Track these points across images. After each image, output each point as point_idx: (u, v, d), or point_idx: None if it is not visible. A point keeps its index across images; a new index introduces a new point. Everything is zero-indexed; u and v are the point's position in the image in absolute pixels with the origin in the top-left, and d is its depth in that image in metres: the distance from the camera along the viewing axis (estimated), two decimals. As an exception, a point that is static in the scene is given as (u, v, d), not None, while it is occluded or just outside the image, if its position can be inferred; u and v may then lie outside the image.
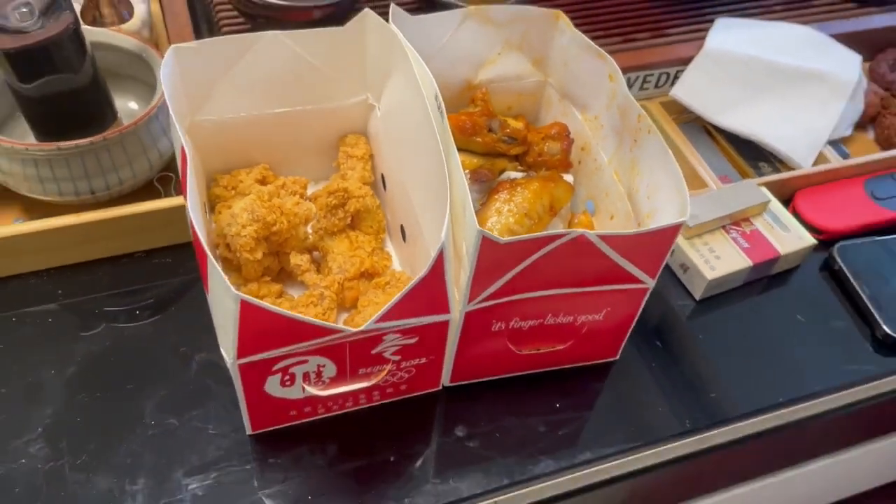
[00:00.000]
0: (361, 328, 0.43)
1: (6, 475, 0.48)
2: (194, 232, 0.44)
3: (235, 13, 0.70)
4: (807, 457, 0.75)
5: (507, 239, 0.43)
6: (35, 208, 0.59)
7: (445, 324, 0.48)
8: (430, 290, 0.44)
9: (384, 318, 0.43)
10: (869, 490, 0.95)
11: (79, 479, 0.48)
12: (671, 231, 0.47)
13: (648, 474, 0.58)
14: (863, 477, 0.91)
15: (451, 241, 0.46)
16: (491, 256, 0.44)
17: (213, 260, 0.41)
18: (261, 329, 0.42)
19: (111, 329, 0.56)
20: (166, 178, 0.60)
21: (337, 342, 0.45)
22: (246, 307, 0.40)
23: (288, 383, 0.48)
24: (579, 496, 0.56)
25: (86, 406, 0.52)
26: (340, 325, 0.42)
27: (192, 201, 0.46)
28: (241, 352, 0.43)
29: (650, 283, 0.51)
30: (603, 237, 0.45)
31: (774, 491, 0.77)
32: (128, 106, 0.63)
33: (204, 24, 0.73)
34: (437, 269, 0.43)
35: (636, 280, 0.50)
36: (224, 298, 0.41)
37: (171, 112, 0.48)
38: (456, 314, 0.48)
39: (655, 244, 0.47)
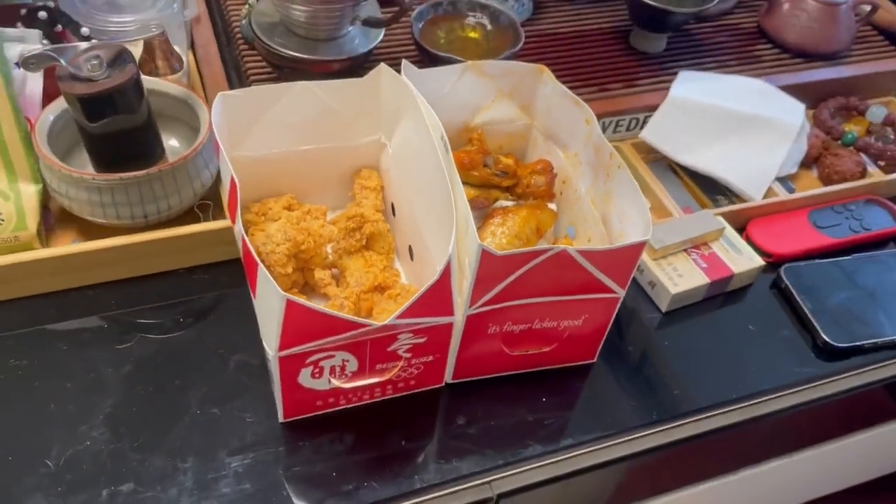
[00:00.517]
0: (384, 323, 0.52)
1: (75, 455, 0.56)
2: (245, 246, 0.53)
3: (263, 63, 0.81)
4: (765, 456, 0.84)
5: (502, 252, 0.53)
6: (90, 231, 0.68)
7: (450, 325, 0.57)
8: (439, 295, 0.54)
9: (402, 315, 0.52)
10: (828, 494, 1.04)
11: (137, 458, 0.57)
12: (637, 248, 0.57)
13: (622, 463, 0.67)
14: (820, 481, 1.00)
15: (455, 254, 0.55)
16: (489, 267, 0.54)
17: (263, 267, 0.50)
18: (300, 325, 0.51)
19: (159, 334, 0.65)
20: (205, 206, 0.70)
21: (360, 339, 0.54)
22: (290, 305, 0.49)
23: (317, 375, 0.57)
24: (563, 480, 0.65)
25: (140, 398, 0.60)
26: (367, 321, 0.52)
27: (239, 223, 0.56)
28: (283, 345, 0.52)
29: (621, 294, 0.60)
30: (581, 252, 0.55)
31: (735, 489, 0.86)
32: (170, 143, 0.72)
33: (234, 73, 0.83)
34: (445, 276, 0.52)
35: (609, 290, 0.60)
36: (271, 299, 0.50)
37: (221, 149, 0.58)
38: (459, 317, 0.57)
39: (624, 259, 0.57)
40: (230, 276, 0.69)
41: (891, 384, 0.76)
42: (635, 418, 0.64)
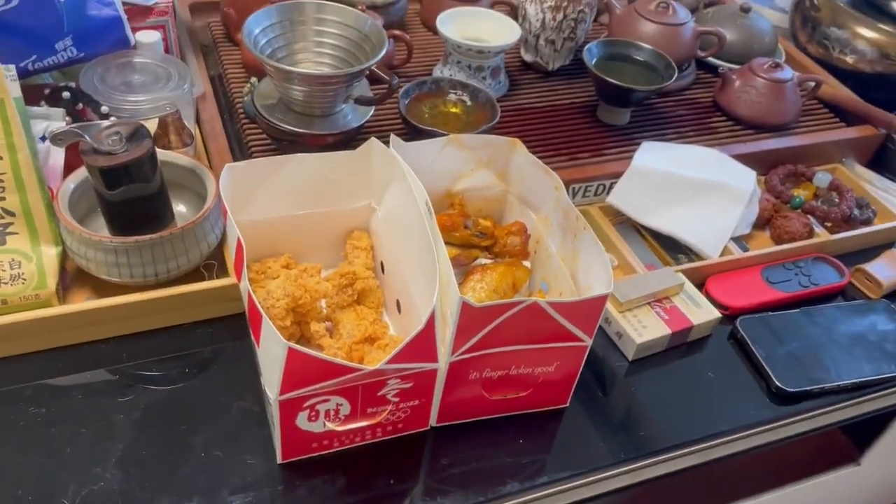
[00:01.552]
0: (375, 368, 0.58)
1: (89, 494, 0.61)
2: (251, 299, 0.60)
3: (264, 137, 0.88)
4: (734, 497, 0.89)
5: (480, 304, 0.60)
6: (103, 289, 0.74)
7: (434, 371, 0.63)
8: (424, 343, 0.60)
9: (391, 361, 0.58)
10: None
11: (146, 497, 0.61)
12: (600, 300, 0.63)
13: (595, 502, 0.72)
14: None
15: (439, 306, 0.62)
16: (468, 318, 0.60)
17: (266, 317, 0.57)
18: (300, 371, 0.57)
19: (166, 384, 0.70)
20: (210, 265, 0.76)
21: (353, 384, 0.60)
22: (291, 353, 0.55)
23: (313, 419, 0.62)
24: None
25: (149, 442, 0.65)
26: (360, 365, 0.58)
27: (245, 279, 0.62)
28: (284, 390, 0.58)
29: (588, 342, 0.67)
30: (550, 303, 0.62)
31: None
32: (178, 208, 0.79)
33: (236, 145, 0.91)
34: (430, 326, 0.59)
35: (577, 339, 0.66)
36: (274, 347, 0.56)
37: (229, 214, 0.65)
38: (442, 364, 0.63)
39: (589, 309, 0.64)
40: (231, 330, 0.75)
41: (844, 428, 0.83)
42: (607, 457, 0.70)
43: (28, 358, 0.70)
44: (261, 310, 0.58)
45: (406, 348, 0.58)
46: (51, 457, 0.63)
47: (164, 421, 0.67)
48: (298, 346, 0.55)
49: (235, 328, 0.75)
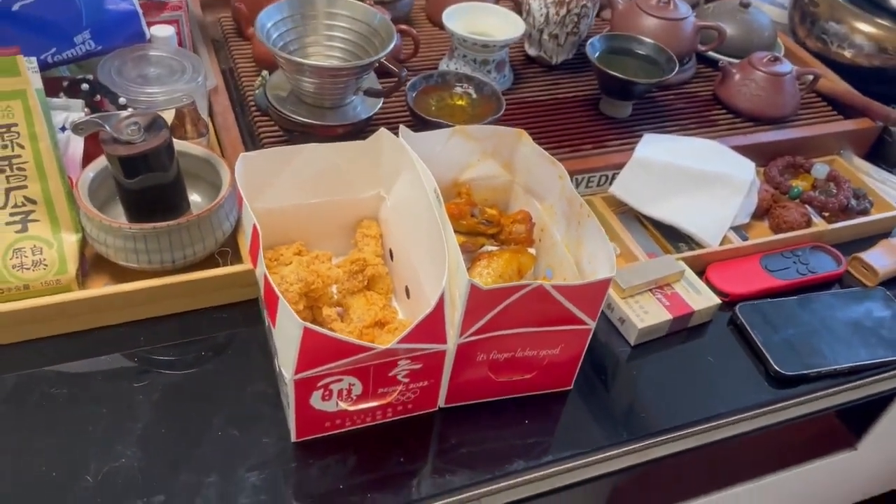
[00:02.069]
0: (387, 347, 0.60)
1: (111, 471, 0.63)
2: (267, 281, 0.62)
3: (275, 128, 0.91)
4: (735, 479, 0.91)
5: (487, 286, 0.62)
6: (121, 275, 0.76)
7: (443, 353, 0.66)
8: (434, 324, 0.62)
9: (402, 341, 0.60)
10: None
11: (166, 473, 0.64)
12: (603, 283, 0.66)
13: (598, 482, 0.74)
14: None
15: (448, 290, 0.64)
16: (476, 300, 0.63)
17: (283, 299, 0.59)
18: (315, 350, 0.59)
19: (183, 367, 0.72)
20: (224, 253, 0.78)
21: (365, 363, 0.62)
22: (307, 332, 0.58)
23: (327, 398, 0.65)
24: (546, 497, 0.72)
25: (167, 422, 0.68)
26: (372, 344, 0.60)
27: (262, 263, 0.64)
28: (299, 369, 0.60)
29: (591, 325, 0.69)
30: (554, 286, 0.64)
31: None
32: (192, 197, 0.81)
33: (248, 137, 0.93)
34: (439, 307, 0.61)
35: (581, 322, 0.68)
36: (290, 327, 0.59)
37: (245, 201, 0.67)
38: (451, 345, 0.66)
39: (593, 293, 0.66)
40: (245, 315, 0.78)
41: (841, 413, 0.85)
42: (609, 438, 0.72)
43: (49, 341, 0.72)
44: (277, 291, 0.60)
45: (416, 329, 0.61)
46: (73, 436, 0.66)
47: (181, 402, 0.69)
48: (313, 326, 0.57)
49: (249, 314, 0.77)
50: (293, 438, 0.67)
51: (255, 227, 0.66)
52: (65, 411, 0.67)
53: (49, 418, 0.67)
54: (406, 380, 0.66)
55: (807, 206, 0.96)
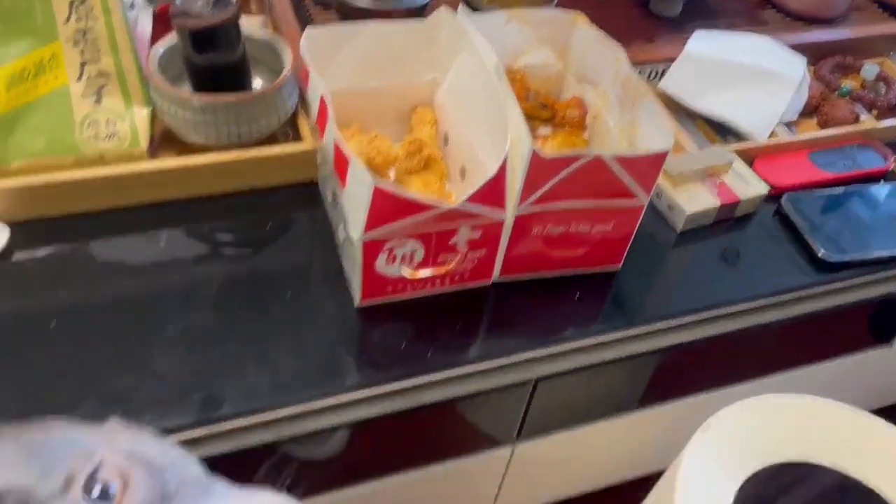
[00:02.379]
0: (452, 206, 0.63)
1: (188, 327, 0.67)
2: (336, 145, 0.64)
3: (332, 13, 0.92)
4: (763, 369, 0.94)
5: (548, 154, 0.64)
6: (187, 151, 0.79)
7: (501, 223, 0.68)
8: (495, 189, 0.65)
9: (468, 200, 0.63)
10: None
11: (239, 328, 0.68)
12: (660, 156, 0.67)
13: (649, 357, 0.78)
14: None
15: (509, 161, 0.66)
16: (537, 168, 0.65)
17: (356, 158, 0.62)
18: (384, 209, 0.62)
19: (247, 242, 0.76)
20: (285, 133, 0.81)
21: (429, 230, 0.65)
22: (377, 191, 0.60)
23: (391, 262, 0.68)
24: (595, 369, 0.76)
25: (237, 287, 0.71)
26: (439, 200, 0.62)
27: (332, 127, 0.67)
28: (368, 227, 0.63)
29: (645, 200, 0.71)
30: (613, 157, 0.66)
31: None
32: (254, 82, 0.84)
33: (301, 24, 0.94)
34: (501, 172, 0.63)
35: (635, 196, 0.70)
36: (361, 187, 0.61)
37: (312, 71, 0.69)
38: (510, 215, 0.68)
39: (649, 165, 0.68)
40: (304, 197, 0.80)
41: (878, 309, 0.87)
42: (655, 315, 0.75)
43: (121, 212, 0.76)
44: (348, 152, 0.62)
45: (480, 191, 0.63)
46: (149, 297, 0.70)
47: (244, 275, 0.73)
48: (383, 184, 0.60)
49: (307, 195, 0.80)
50: (356, 304, 0.71)
51: (322, 98, 0.68)
52: (140, 278, 0.71)
53: (127, 283, 0.70)
54: (465, 248, 0.69)
55: (856, 103, 0.97)
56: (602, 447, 0.93)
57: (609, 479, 1.01)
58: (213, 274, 0.72)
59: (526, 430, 0.83)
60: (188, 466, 0.43)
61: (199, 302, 0.69)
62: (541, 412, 0.81)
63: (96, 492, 0.36)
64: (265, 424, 0.65)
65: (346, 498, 0.83)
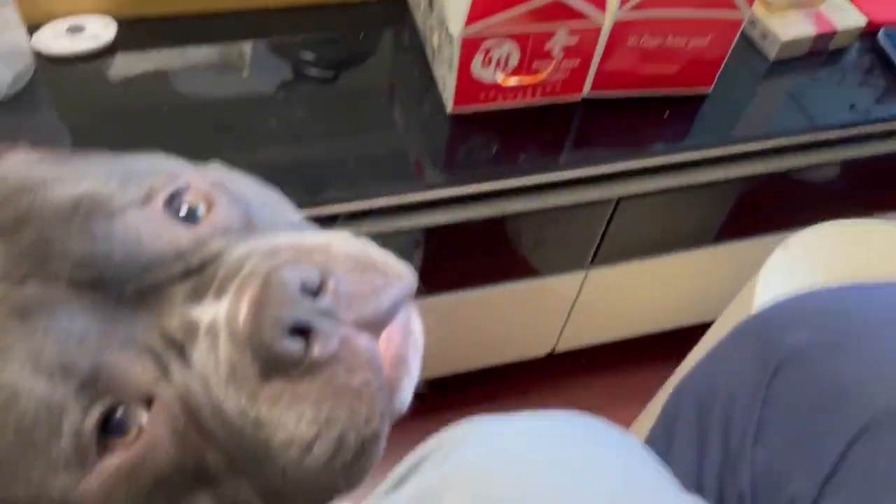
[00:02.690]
0: (557, -1, 0.63)
1: (277, 130, 0.69)
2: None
3: None
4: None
5: (656, -50, 0.63)
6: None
7: (598, 28, 0.68)
8: (598, -13, 0.64)
9: (571, -5, 0.63)
10: None
11: (334, 134, 0.70)
12: (768, -39, 0.66)
13: (735, 184, 0.78)
14: None
15: (612, -41, 0.65)
16: (641, -33, 0.64)
17: (462, -53, 0.61)
18: (485, 3, 0.62)
19: (344, 52, 0.77)
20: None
21: (526, 30, 0.65)
22: (483, -21, 0.60)
23: (486, 64, 0.68)
24: (677, 192, 0.77)
25: (331, 97, 0.73)
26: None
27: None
28: (470, 20, 0.64)
29: (746, 13, 0.70)
30: (721, -42, 0.64)
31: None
32: None
33: None
34: (608, -34, 0.63)
35: (736, 7, 0.69)
36: (466, -24, 0.61)
37: None
38: (608, 21, 0.68)
39: (754, -27, 0.67)
40: (395, 14, 0.81)
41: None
42: (743, 137, 0.75)
43: (216, 19, 0.77)
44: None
45: (584, -13, 0.63)
46: (246, 98, 0.71)
47: (344, 81, 0.74)
48: (490, -29, 0.60)
49: (398, 13, 0.80)
50: (448, 110, 0.72)
51: None
52: (234, 81, 0.73)
53: (221, 84, 0.72)
54: (560, 55, 0.69)
55: (965, -58, 0.92)
56: (671, 283, 0.95)
57: (671, 322, 1.04)
58: (310, 81, 0.74)
59: (601, 255, 0.85)
60: (279, 203, 0.43)
61: (300, 100, 0.71)
62: (618, 236, 0.82)
63: (183, 211, 0.36)
64: (362, 214, 0.67)
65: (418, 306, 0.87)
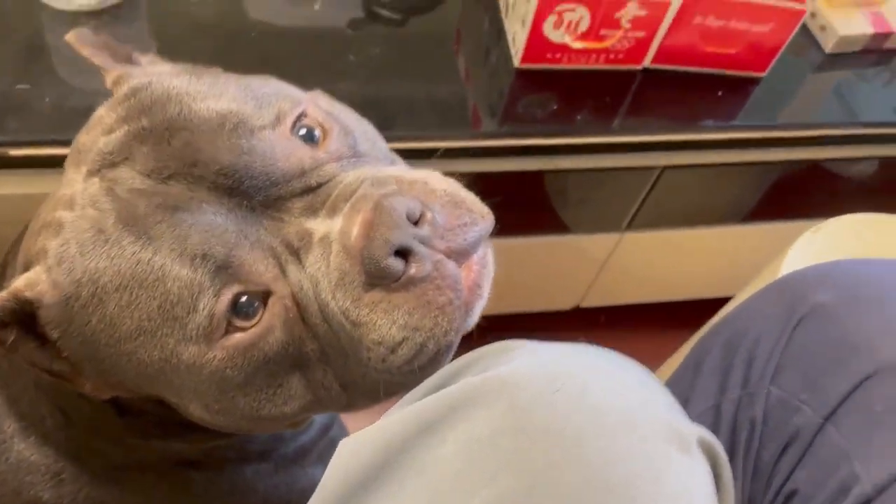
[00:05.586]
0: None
1: (355, 63, 0.74)
2: None
3: None
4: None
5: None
6: None
7: (667, 4, 0.72)
8: (675, -35, 0.68)
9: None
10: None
11: (406, 75, 0.74)
12: (839, -43, 0.69)
13: (781, 167, 0.82)
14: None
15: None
16: (718, -50, 0.67)
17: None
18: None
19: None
20: None
21: (602, -5, 0.69)
22: (568, -56, 0.64)
23: (557, 26, 0.72)
24: (720, 168, 0.81)
25: (405, 42, 0.77)
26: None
27: None
28: (548, -17, 0.68)
29: (809, 5, 0.73)
30: (794, -50, 0.68)
31: None
32: None
33: None
34: (687, -54, 0.66)
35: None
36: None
37: None
38: (678, -3, 0.72)
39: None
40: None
41: None
42: (797, 121, 0.79)
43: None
44: None
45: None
46: (327, 34, 0.76)
47: (418, 24, 0.79)
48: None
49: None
50: (516, 64, 0.76)
51: None
52: (317, 19, 0.78)
53: (304, 20, 0.77)
54: (628, 25, 0.73)
55: None
56: (700, 255, 1.00)
57: (695, 293, 1.09)
58: (380, 26, 0.78)
59: (638, 220, 0.90)
60: (376, 137, 0.49)
61: (372, 43, 0.76)
62: (657, 204, 0.87)
63: (302, 132, 0.41)
64: (427, 152, 0.72)
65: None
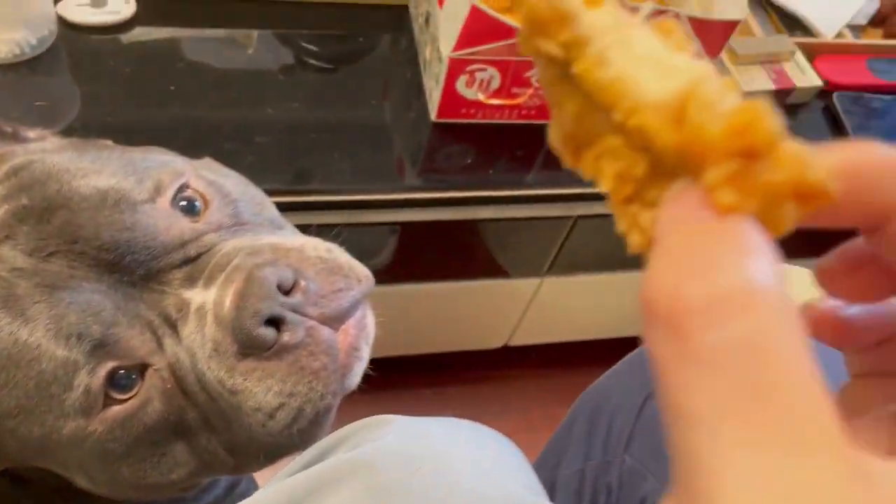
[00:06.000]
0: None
1: (274, 117, 0.76)
2: (442, -34, 0.71)
3: None
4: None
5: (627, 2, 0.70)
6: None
7: (575, 65, 0.75)
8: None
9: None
10: None
11: (325, 128, 0.76)
12: (731, 24, 0.73)
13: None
14: None
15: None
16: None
17: (458, -20, 0.68)
18: (477, 28, 0.69)
19: (336, 53, 0.83)
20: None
21: (510, 57, 0.72)
22: (474, 10, 0.67)
23: (469, 85, 0.75)
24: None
25: (326, 93, 0.79)
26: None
27: (434, -47, 0.73)
28: (458, 46, 0.70)
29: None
30: (687, 17, 0.72)
31: None
32: None
33: None
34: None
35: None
36: (460, 4, 0.68)
37: None
38: (584, 58, 0.75)
39: (719, 33, 0.74)
40: (395, 20, 0.87)
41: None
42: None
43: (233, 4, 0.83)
44: (452, -27, 0.69)
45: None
46: (248, 84, 0.78)
47: (333, 80, 0.81)
48: (481, 5, 0.67)
49: (399, 19, 0.87)
50: (433, 118, 0.79)
51: (433, -80, 0.74)
52: (240, 64, 0.79)
53: (228, 64, 0.79)
54: (537, 84, 0.76)
55: (926, 20, 1.00)
56: (615, 297, 1.03)
57: (615, 331, 1.12)
58: (308, 74, 0.80)
59: (556, 265, 0.92)
60: (262, 203, 0.50)
61: (295, 93, 0.78)
62: (573, 250, 0.90)
63: (183, 203, 0.42)
64: (342, 205, 0.74)
65: (387, 292, 0.94)
